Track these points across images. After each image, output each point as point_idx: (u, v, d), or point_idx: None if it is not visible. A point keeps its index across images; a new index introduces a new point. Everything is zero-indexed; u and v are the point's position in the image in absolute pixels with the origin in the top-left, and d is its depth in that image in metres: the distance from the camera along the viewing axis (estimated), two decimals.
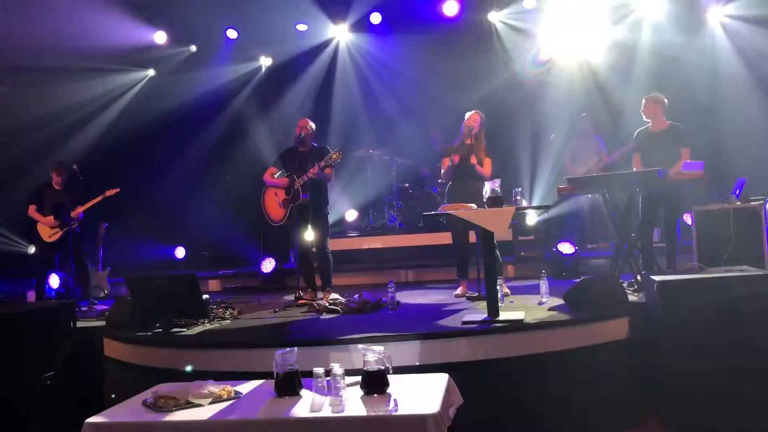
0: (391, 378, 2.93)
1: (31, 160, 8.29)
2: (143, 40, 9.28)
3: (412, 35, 9.43)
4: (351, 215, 9.65)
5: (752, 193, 5.94)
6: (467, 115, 6.02)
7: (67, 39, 7.99)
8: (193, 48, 9.82)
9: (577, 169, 7.93)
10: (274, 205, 6.20)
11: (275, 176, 6.22)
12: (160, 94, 9.81)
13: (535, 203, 8.02)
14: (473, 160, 5.91)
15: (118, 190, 7.23)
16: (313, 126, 6.24)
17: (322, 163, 5.82)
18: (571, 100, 8.78)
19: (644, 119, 6.06)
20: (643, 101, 6.02)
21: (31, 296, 7.64)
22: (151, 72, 9.99)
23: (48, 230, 7.20)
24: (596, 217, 7.97)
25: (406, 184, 9.28)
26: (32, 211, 7.23)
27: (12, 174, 8.29)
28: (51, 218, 7.16)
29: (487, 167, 5.94)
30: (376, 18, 9.31)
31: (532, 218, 7.86)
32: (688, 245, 6.26)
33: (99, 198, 7.12)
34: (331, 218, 6.67)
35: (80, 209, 7.05)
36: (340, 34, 9.76)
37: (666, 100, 5.98)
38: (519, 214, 7.08)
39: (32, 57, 8.20)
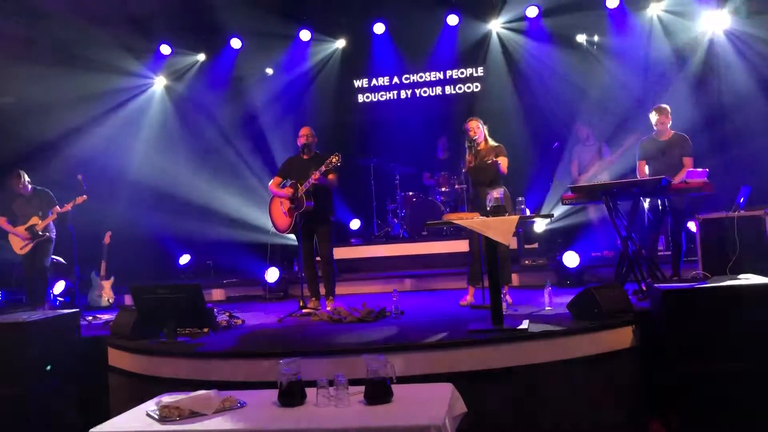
0: (394, 388, 2.93)
1: (37, 166, 8.26)
2: (150, 50, 9.44)
3: (414, 44, 9.53)
4: (354, 224, 9.66)
5: (757, 201, 5.93)
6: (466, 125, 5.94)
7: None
8: (202, 57, 9.91)
9: (583, 176, 7.92)
10: (279, 215, 6.20)
11: (280, 186, 6.22)
12: (168, 102, 10.00)
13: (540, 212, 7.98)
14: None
15: (85, 198, 6.79)
16: (314, 134, 6.25)
17: (323, 168, 5.82)
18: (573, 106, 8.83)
19: (657, 129, 6.10)
20: (657, 114, 6.07)
21: None
22: (162, 80, 10.08)
23: (19, 242, 6.89)
24: (603, 225, 7.94)
25: (410, 193, 9.26)
26: (3, 223, 6.91)
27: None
28: (22, 229, 6.85)
29: (502, 166, 5.75)
30: (379, 28, 9.46)
31: (539, 226, 7.84)
32: (692, 254, 6.25)
33: (68, 206, 6.76)
34: (335, 227, 6.66)
35: (49, 219, 6.84)
36: (343, 43, 9.88)
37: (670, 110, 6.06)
38: (525, 223, 7.07)
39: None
